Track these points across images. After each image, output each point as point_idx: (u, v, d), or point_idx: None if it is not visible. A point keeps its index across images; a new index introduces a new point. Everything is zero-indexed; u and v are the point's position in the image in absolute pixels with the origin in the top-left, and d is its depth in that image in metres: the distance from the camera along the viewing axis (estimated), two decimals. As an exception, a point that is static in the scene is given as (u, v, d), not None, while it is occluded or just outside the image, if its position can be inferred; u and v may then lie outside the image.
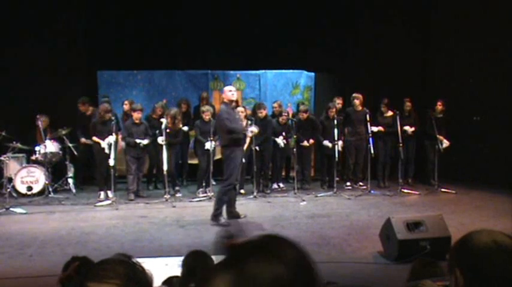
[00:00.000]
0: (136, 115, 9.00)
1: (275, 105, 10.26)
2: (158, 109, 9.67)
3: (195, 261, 3.11)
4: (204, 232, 6.89)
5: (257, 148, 9.09)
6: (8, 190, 8.59)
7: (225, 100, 7.34)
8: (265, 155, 9.59)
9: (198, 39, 10.46)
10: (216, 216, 7.23)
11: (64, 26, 10.07)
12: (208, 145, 8.95)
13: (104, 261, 1.40)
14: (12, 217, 7.74)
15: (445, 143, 9.57)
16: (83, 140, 9.48)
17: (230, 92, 7.26)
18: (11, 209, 7.96)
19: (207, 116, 9.12)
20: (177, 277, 3.08)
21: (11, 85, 9.95)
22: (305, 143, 9.69)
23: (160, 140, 8.77)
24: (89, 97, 10.10)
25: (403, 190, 9.37)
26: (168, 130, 8.88)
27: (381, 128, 9.72)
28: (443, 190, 9.38)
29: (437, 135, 9.41)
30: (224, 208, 7.33)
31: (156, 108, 9.75)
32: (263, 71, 11.75)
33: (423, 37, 11.00)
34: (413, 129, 9.81)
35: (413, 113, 9.97)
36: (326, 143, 9.63)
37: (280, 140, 9.57)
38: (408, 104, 9.91)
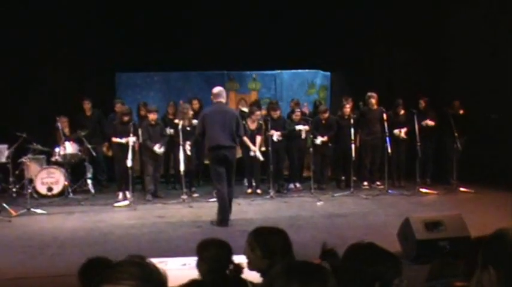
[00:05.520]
0: (152, 116, 9.04)
1: (292, 103, 10.25)
2: (170, 108, 9.81)
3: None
4: (220, 231, 6.91)
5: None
6: (29, 190, 8.72)
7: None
8: (280, 154, 9.58)
9: (213, 40, 10.50)
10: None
11: (83, 29, 10.18)
12: None
13: (119, 263, 1.43)
14: (32, 218, 7.87)
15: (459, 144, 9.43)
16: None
17: None
18: (32, 209, 8.09)
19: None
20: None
21: (31, 87, 10.11)
22: (319, 139, 9.55)
23: (188, 149, 8.85)
24: (108, 99, 10.23)
25: (421, 189, 9.29)
26: (188, 128, 8.92)
27: (402, 134, 9.68)
28: (462, 189, 9.27)
29: (456, 133, 9.29)
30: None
31: (168, 108, 9.91)
32: (279, 71, 11.75)
33: (439, 33, 10.87)
34: (432, 123, 9.69)
35: (429, 111, 9.85)
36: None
37: (301, 127, 9.54)
38: (422, 102, 9.82)
